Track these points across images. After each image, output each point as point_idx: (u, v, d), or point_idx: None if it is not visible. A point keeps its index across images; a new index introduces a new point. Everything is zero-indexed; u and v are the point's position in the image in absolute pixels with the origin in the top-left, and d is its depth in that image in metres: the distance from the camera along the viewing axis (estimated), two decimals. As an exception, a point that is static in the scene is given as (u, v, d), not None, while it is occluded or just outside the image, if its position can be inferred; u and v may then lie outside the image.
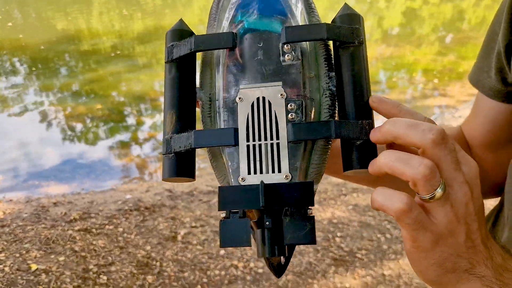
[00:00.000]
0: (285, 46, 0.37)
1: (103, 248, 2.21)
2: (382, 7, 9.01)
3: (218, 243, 2.24)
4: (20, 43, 6.11)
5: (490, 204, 0.63)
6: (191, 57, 0.39)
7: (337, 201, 2.55)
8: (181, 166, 0.37)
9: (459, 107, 3.89)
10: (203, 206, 2.56)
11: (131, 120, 4.05)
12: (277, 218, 0.34)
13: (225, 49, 0.38)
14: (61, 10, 8.32)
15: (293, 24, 0.39)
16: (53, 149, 3.48)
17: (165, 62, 0.39)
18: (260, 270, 2.08)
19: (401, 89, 4.52)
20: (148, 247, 2.22)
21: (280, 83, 0.37)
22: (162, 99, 4.36)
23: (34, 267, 2.08)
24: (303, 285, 1.99)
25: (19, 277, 2.01)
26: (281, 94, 0.36)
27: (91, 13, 8.29)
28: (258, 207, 0.33)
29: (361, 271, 2.05)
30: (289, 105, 0.36)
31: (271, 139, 0.36)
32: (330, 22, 0.39)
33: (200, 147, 0.36)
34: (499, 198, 0.61)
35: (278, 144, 0.35)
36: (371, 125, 0.36)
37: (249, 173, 0.35)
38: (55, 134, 3.75)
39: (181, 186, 2.80)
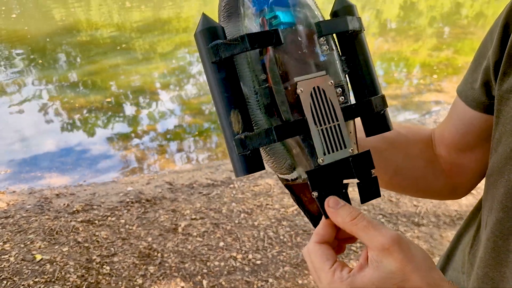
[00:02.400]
0: (320, 38, 0.42)
1: (106, 239, 2.27)
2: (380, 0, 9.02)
3: (218, 235, 2.31)
4: (26, 34, 6.11)
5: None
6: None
7: (333, 195, 2.62)
8: (259, 160, 0.40)
9: (454, 103, 3.95)
10: (202, 198, 2.63)
11: (130, 112, 4.09)
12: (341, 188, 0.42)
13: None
14: (60, 2, 8.28)
15: (309, 16, 0.44)
16: (54, 141, 3.52)
17: (212, 62, 0.39)
18: (258, 262, 2.15)
19: (398, 84, 4.57)
20: (150, 239, 2.29)
21: (324, 72, 0.42)
22: (162, 93, 4.39)
23: (38, 257, 2.14)
24: (299, 276, 2.06)
25: (24, 267, 2.07)
26: (331, 82, 0.42)
27: (90, 4, 8.25)
28: (353, 177, 0.40)
29: (355, 263, 2.12)
30: (337, 91, 0.42)
31: (333, 121, 0.41)
32: (330, 14, 0.45)
33: (282, 140, 0.40)
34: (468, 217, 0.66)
35: (338, 125, 0.42)
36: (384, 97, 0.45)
37: (324, 154, 0.41)
38: (56, 125, 3.78)
39: (181, 179, 2.86)
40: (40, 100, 4.23)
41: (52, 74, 4.89)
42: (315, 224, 0.46)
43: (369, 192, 0.42)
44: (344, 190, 0.41)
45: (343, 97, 0.43)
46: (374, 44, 5.92)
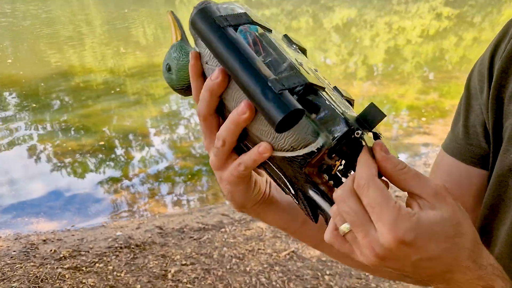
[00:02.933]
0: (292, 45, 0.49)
1: (93, 287, 2.20)
2: (367, 45, 9.34)
3: (208, 281, 2.25)
4: (21, 79, 6.19)
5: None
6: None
7: (326, 238, 2.59)
8: (295, 101, 0.39)
9: (442, 145, 4.01)
10: (193, 243, 2.58)
11: (121, 156, 4.09)
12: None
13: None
14: (54, 47, 8.45)
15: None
16: (43, 185, 3.48)
17: (223, 27, 0.40)
18: (250, 309, 2.09)
19: (387, 127, 4.65)
20: (138, 286, 2.22)
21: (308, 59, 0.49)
22: (154, 136, 4.41)
23: (22, 306, 2.06)
24: (293, 324, 2.00)
25: (6, 318, 1.98)
26: (315, 69, 0.48)
27: (85, 50, 8.42)
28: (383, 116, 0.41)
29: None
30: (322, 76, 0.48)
31: (333, 92, 0.46)
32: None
33: (311, 84, 0.41)
34: None
35: (336, 96, 0.46)
36: None
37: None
38: (46, 169, 3.75)
39: (172, 223, 2.82)
40: (31, 144, 4.22)
41: (45, 117, 4.90)
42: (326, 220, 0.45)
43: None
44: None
45: (326, 81, 0.47)
46: (362, 87, 6.07)
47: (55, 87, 5.95)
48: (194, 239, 2.62)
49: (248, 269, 2.35)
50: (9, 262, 2.38)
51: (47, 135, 4.48)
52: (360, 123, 0.41)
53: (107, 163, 3.94)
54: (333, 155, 0.44)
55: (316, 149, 0.41)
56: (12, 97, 5.63)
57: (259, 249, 2.51)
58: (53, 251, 2.49)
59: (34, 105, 5.28)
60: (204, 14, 0.41)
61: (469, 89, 0.60)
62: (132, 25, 10.99)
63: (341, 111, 0.41)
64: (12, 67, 6.93)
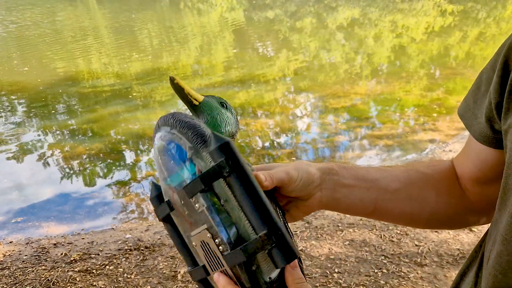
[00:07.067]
0: (191, 199, 0.46)
1: (104, 289, 2.22)
2: (372, 44, 9.32)
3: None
4: (38, 86, 6.27)
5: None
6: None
7: (333, 236, 2.60)
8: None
9: (449, 141, 4.00)
10: (202, 244, 2.59)
11: (129, 159, 4.12)
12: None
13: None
14: (60, 53, 8.53)
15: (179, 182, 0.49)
16: (53, 189, 3.51)
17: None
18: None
19: (393, 124, 4.64)
20: (149, 287, 2.24)
21: (205, 226, 0.46)
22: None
23: (34, 309, 2.09)
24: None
25: (20, 320, 2.01)
26: (209, 235, 0.46)
27: (91, 55, 8.49)
28: None
29: None
30: (216, 241, 0.46)
31: (222, 266, 0.47)
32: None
33: (197, 281, 0.52)
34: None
35: (225, 270, 0.47)
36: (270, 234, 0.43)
37: None
38: (55, 173, 3.79)
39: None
40: (40, 148, 4.26)
41: (54, 123, 4.96)
42: None
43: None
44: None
45: (223, 246, 0.45)
46: (368, 86, 6.07)
47: (64, 93, 6.01)
48: (203, 240, 2.63)
49: (257, 268, 2.36)
50: (20, 266, 2.41)
51: (56, 140, 4.52)
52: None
53: (115, 166, 3.97)
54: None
55: None
56: (22, 103, 5.69)
57: (267, 248, 2.52)
58: (63, 254, 2.52)
59: (43, 110, 5.34)
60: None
61: (495, 64, 0.56)
62: (138, 29, 11.06)
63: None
64: (30, 75, 7.02)
